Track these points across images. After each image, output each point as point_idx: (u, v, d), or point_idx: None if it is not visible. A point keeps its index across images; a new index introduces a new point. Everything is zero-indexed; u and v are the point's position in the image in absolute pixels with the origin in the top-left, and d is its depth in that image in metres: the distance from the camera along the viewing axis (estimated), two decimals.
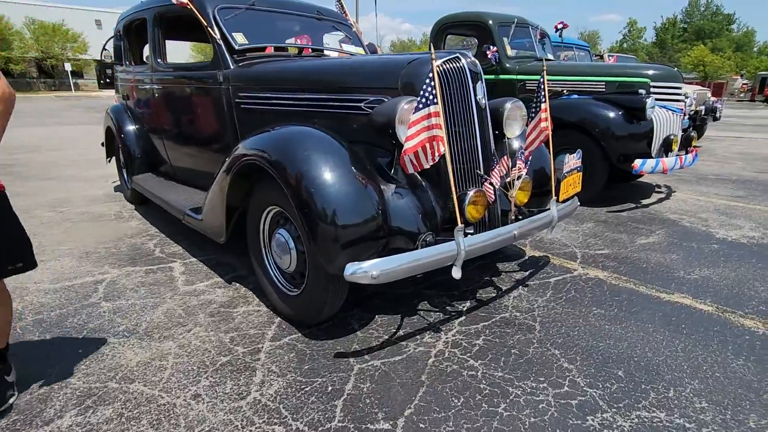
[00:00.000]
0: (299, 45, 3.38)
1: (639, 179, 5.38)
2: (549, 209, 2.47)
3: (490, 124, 2.24)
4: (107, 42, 4.46)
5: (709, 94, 8.87)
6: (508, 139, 2.55)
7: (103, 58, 4.43)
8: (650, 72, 4.40)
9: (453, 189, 1.90)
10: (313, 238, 1.83)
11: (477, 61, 2.21)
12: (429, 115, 1.85)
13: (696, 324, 2.25)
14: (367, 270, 1.69)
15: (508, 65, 4.94)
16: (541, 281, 2.75)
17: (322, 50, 3.38)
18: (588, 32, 71.43)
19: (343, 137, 2.09)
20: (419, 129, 1.86)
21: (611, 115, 4.07)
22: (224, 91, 2.86)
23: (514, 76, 4.93)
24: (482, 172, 2.18)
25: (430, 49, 2.04)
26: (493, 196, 2.04)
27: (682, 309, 2.40)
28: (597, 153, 4.16)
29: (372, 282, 1.70)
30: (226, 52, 2.85)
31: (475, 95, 2.14)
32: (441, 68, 2.09)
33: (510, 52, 5.02)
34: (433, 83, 1.83)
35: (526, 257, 3.15)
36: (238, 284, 2.68)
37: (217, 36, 2.85)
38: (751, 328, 2.22)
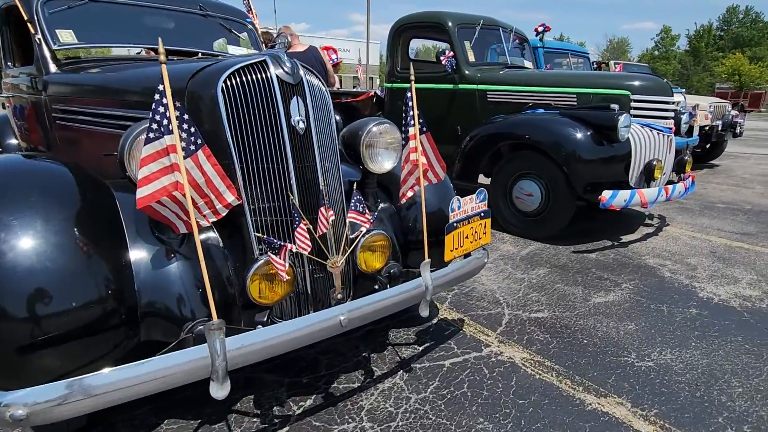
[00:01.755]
0: (149, 46, 2.77)
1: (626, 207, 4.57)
2: (439, 272, 1.78)
3: (320, 155, 1.55)
4: None
5: (729, 107, 7.91)
6: (367, 179, 1.87)
7: None
8: (632, 83, 3.62)
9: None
10: None
11: (300, 67, 1.53)
12: (166, 151, 1.20)
13: None
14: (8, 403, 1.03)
15: (467, 73, 4.22)
16: (432, 364, 2.04)
17: (196, 53, 2.76)
18: (617, 39, 69.46)
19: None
20: (155, 171, 1.21)
21: (576, 135, 3.31)
22: (43, 103, 2.27)
23: (474, 86, 4.21)
24: (295, 227, 1.49)
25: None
26: (284, 269, 1.35)
27: (609, 427, 1.66)
28: (561, 180, 3.41)
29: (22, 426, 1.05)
30: (46, 52, 2.26)
31: (288, 116, 1.46)
32: (234, 81, 1.43)
33: (472, 57, 4.31)
34: (165, 100, 1.17)
35: (435, 320, 2.43)
36: None
37: (38, 32, 2.26)
38: None
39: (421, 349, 2.16)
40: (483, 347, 2.17)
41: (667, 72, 54.98)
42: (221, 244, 1.49)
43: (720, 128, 7.17)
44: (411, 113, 1.68)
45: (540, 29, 5.11)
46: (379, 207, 1.91)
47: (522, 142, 3.57)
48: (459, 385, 1.88)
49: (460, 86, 4.29)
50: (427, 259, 1.71)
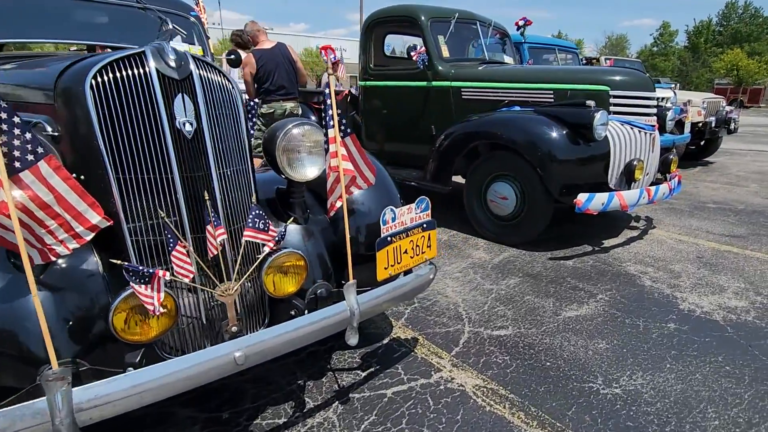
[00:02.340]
0: (66, 42, 2.55)
1: None
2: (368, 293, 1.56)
3: (215, 162, 1.33)
4: None
5: (723, 103, 7.68)
6: (293, 188, 1.65)
7: None
8: (611, 78, 3.39)
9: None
10: None
11: (191, 60, 1.30)
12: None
13: None
14: None
15: (441, 69, 4.00)
16: (373, 393, 1.82)
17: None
18: (616, 36, 69.14)
19: None
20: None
21: (550, 134, 3.09)
22: None
23: (448, 83, 3.99)
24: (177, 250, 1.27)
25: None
26: (152, 302, 1.13)
27: None
28: (537, 182, 3.19)
29: None
30: None
31: (171, 118, 1.24)
32: (107, 77, 1.21)
33: (446, 53, 4.08)
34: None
35: (386, 340, 2.21)
36: None
37: None
38: None
39: (364, 374, 1.94)
40: (433, 372, 1.95)
41: (666, 68, 54.72)
42: (101, 269, 1.28)
43: (714, 125, 6.94)
44: (330, 113, 1.46)
45: (521, 23, 4.88)
46: (308, 218, 1.69)
47: (495, 141, 3.35)
48: (397, 420, 1.66)
49: (434, 83, 4.06)
50: (351, 281, 1.49)
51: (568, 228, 3.87)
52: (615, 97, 3.34)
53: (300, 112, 4.57)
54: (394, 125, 4.51)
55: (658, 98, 5.52)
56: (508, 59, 4.70)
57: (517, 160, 3.26)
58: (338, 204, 1.60)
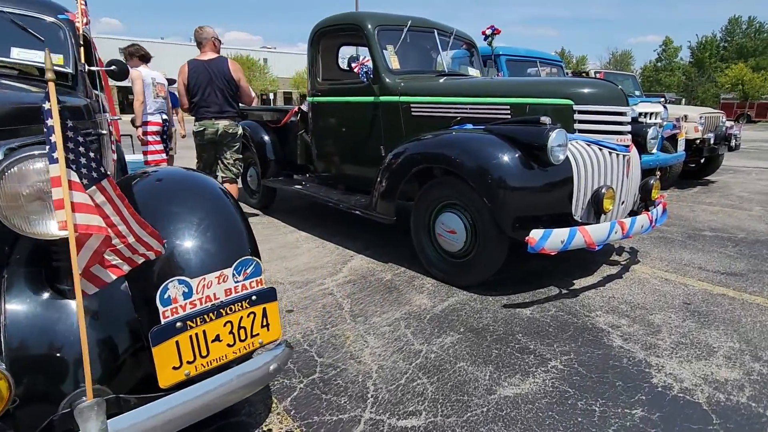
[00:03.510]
0: None
1: None
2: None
3: None
4: None
5: (723, 118, 7.13)
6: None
7: None
8: (576, 90, 2.87)
9: None
10: None
11: None
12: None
13: None
14: None
15: (388, 81, 3.51)
16: None
17: None
18: (620, 53, 69.01)
19: None
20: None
21: (499, 157, 2.57)
22: None
23: (396, 98, 3.49)
24: None
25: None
26: None
27: None
28: (488, 214, 2.65)
29: None
30: None
31: None
32: None
33: (395, 64, 3.60)
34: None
35: None
36: None
37: None
38: None
39: None
40: None
41: (671, 83, 54.35)
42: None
43: (713, 141, 6.38)
44: (53, 140, 0.94)
45: (488, 32, 4.41)
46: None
47: (436, 166, 2.83)
48: None
49: (381, 99, 3.57)
50: (89, 400, 0.96)
51: (535, 263, 3.32)
52: (581, 112, 2.81)
53: (238, 131, 4.13)
54: (343, 145, 4.03)
55: (644, 113, 5.02)
56: (473, 72, 4.22)
57: (464, 187, 2.74)
58: (110, 277, 1.08)
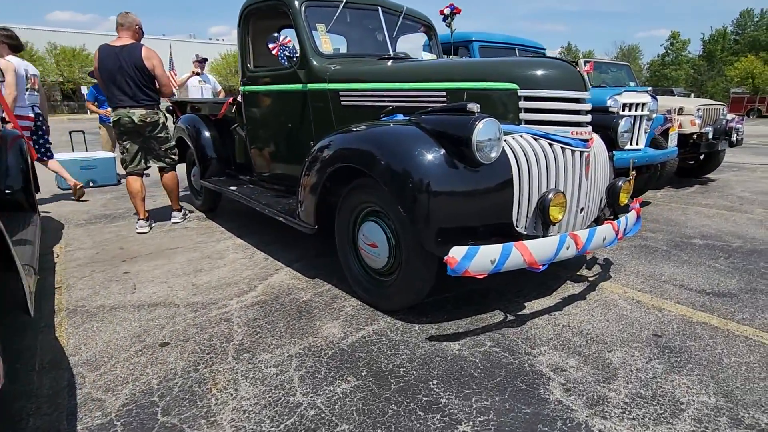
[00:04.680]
0: None
1: None
2: None
3: None
4: None
5: (725, 110, 6.53)
6: None
7: None
8: (521, 72, 2.33)
9: None
10: None
11: None
12: None
13: None
14: None
15: (315, 65, 3.00)
16: None
17: None
18: (628, 46, 67.77)
19: None
20: None
21: (417, 154, 2.05)
22: None
23: (324, 85, 2.98)
24: None
25: None
26: None
27: None
28: (409, 225, 2.14)
29: None
30: None
31: None
32: None
33: (327, 46, 3.09)
34: None
35: None
36: None
37: None
38: None
39: None
40: None
41: (679, 77, 53.24)
42: None
43: (711, 136, 5.80)
44: None
45: (446, 11, 3.87)
46: None
47: (350, 166, 2.32)
48: None
49: (309, 86, 3.06)
50: None
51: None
52: (527, 99, 2.28)
53: (159, 119, 3.79)
54: (274, 141, 3.54)
55: (629, 105, 4.46)
56: (428, 57, 3.69)
57: (383, 191, 2.23)
58: None
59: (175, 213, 4.44)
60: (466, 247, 1.88)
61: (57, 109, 37.57)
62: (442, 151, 2.05)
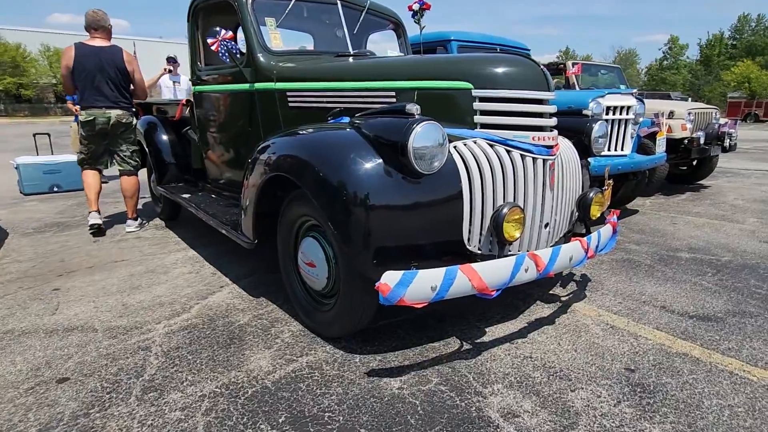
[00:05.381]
0: None
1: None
2: None
3: None
4: None
5: (718, 114, 6.29)
6: None
7: None
8: (476, 70, 2.06)
9: None
10: None
11: None
12: None
13: None
14: None
15: (263, 63, 2.73)
16: None
17: None
18: (625, 51, 67.84)
19: None
20: None
21: (351, 164, 1.77)
22: None
23: (271, 85, 2.71)
24: None
25: None
26: None
27: None
28: (345, 248, 1.85)
29: None
30: None
31: None
32: None
33: (277, 42, 2.82)
34: None
35: None
36: None
37: None
38: None
39: None
40: None
41: (677, 82, 53.24)
42: None
43: (703, 141, 5.55)
44: None
45: (415, 7, 3.61)
46: None
47: (282, 176, 2.04)
48: None
49: (257, 86, 2.79)
50: None
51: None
52: (483, 99, 2.01)
53: (132, 122, 3.85)
54: (224, 145, 3.26)
55: (612, 108, 4.19)
56: (394, 54, 3.43)
57: (314, 205, 1.95)
58: None
59: (130, 221, 4.16)
60: (401, 272, 1.61)
61: (50, 111, 37.23)
62: (380, 159, 1.77)
